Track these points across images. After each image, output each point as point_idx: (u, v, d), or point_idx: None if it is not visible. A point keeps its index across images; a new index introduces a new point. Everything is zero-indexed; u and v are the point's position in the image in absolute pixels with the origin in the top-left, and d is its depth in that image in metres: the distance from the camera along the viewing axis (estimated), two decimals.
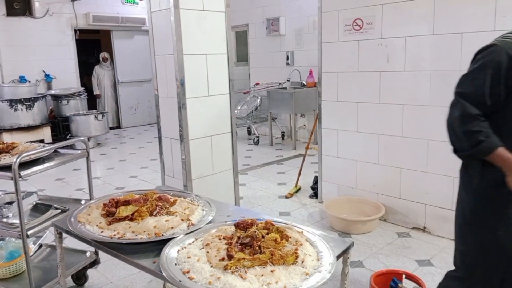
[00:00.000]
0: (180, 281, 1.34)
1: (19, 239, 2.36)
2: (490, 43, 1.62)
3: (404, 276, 2.29)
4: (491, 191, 1.64)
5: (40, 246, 2.93)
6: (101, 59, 9.67)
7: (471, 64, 1.67)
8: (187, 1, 3.03)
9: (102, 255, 2.82)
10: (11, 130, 7.15)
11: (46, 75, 8.32)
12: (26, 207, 2.59)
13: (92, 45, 11.64)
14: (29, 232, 2.28)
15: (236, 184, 3.61)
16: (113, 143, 8.15)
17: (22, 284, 2.54)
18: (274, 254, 1.42)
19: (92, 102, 9.52)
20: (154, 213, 1.83)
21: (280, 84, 7.37)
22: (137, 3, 9.57)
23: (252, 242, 1.49)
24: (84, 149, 2.64)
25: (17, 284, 2.55)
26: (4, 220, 2.45)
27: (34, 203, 2.69)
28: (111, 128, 9.00)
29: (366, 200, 3.78)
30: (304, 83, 7.04)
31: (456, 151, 1.68)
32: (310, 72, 6.90)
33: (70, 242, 3.03)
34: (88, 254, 2.82)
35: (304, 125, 7.53)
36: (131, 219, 1.78)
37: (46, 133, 7.62)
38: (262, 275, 1.34)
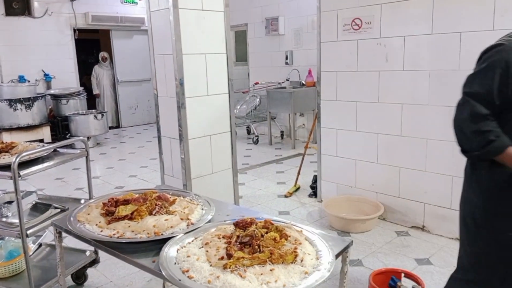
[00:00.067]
0: (180, 280, 1.35)
1: (19, 239, 2.36)
2: (497, 42, 1.60)
3: (403, 274, 2.29)
4: (501, 193, 1.61)
5: (40, 245, 2.94)
6: (100, 58, 9.67)
7: (478, 64, 1.65)
8: (186, 1, 3.03)
9: (102, 254, 2.83)
10: (10, 129, 7.15)
11: (46, 75, 8.32)
12: (26, 207, 2.59)
13: (92, 45, 11.63)
14: (28, 232, 2.28)
15: (235, 183, 3.61)
16: (113, 143, 8.15)
17: (21, 284, 2.54)
18: (273, 253, 1.42)
19: (92, 101, 9.53)
20: (154, 212, 1.83)
21: (279, 83, 7.37)
22: (136, 3, 9.57)
23: (251, 241, 1.50)
24: (84, 148, 2.64)
25: (16, 283, 2.55)
26: (4, 219, 2.45)
27: (34, 202, 2.69)
28: (110, 128, 9.00)
29: (365, 199, 3.78)
30: (303, 82, 7.04)
31: (464, 151, 1.64)
32: (309, 72, 6.91)
33: (69, 241, 3.03)
34: (87, 253, 2.82)
35: (303, 125, 7.53)
36: (131, 219, 1.78)
37: (45, 132, 7.62)
38: (261, 274, 1.35)
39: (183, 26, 3.03)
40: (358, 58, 3.71)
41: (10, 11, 7.76)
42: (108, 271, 2.98)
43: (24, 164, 2.29)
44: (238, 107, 7.57)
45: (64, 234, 1.90)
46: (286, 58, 7.48)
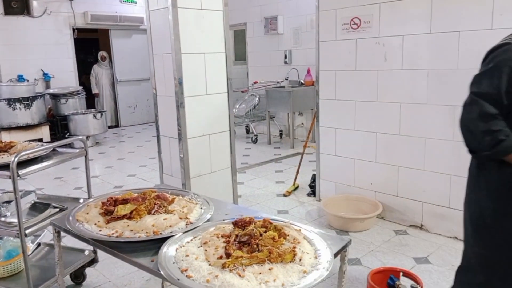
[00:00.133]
0: (178, 279, 1.35)
1: (17, 238, 2.36)
2: (503, 42, 1.59)
3: (401, 273, 2.29)
4: (511, 193, 1.59)
5: (39, 245, 2.93)
6: (99, 58, 9.67)
7: (484, 64, 1.63)
8: (185, 0, 3.03)
9: (101, 253, 2.83)
10: (9, 129, 7.14)
11: (45, 74, 8.31)
12: (24, 206, 2.59)
13: (91, 44, 11.62)
14: (27, 231, 2.28)
15: (234, 183, 3.61)
16: (112, 142, 8.15)
17: (20, 283, 2.54)
18: (272, 252, 1.43)
19: (91, 101, 9.52)
20: (153, 212, 1.83)
21: (278, 82, 7.38)
22: (135, 2, 9.57)
23: (250, 240, 1.50)
24: (83, 148, 2.64)
25: (15, 283, 2.55)
26: (2, 219, 2.45)
27: (33, 202, 2.69)
28: (109, 127, 9.00)
29: (363, 198, 3.79)
30: (302, 81, 7.05)
31: (472, 151, 1.62)
32: (308, 71, 6.91)
33: (68, 241, 3.03)
34: (86, 252, 2.83)
35: (302, 124, 7.54)
36: (129, 218, 1.78)
37: (44, 132, 7.61)
38: (260, 273, 1.35)
39: (182, 25, 3.03)
40: (357, 57, 3.71)
41: (9, 11, 7.75)
42: (106, 270, 2.98)
43: (23, 164, 2.28)
44: (237, 106, 7.57)
45: (63, 234, 1.91)
46: (285, 57, 7.48)
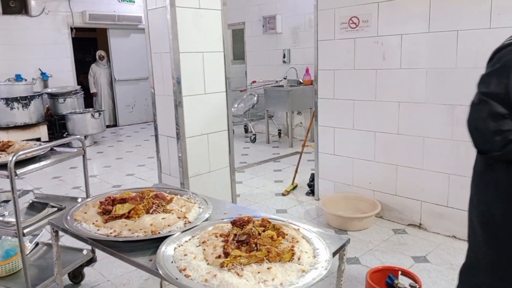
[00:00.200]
0: (177, 278, 1.34)
1: (15, 238, 2.35)
2: (509, 41, 1.58)
3: (400, 272, 2.29)
4: None
5: (37, 244, 2.93)
6: (97, 57, 9.65)
7: (490, 64, 1.60)
8: None
9: (99, 253, 2.82)
10: (7, 128, 7.12)
11: (43, 74, 8.29)
12: (22, 206, 2.58)
13: (89, 44, 11.60)
14: (25, 231, 2.28)
15: (233, 182, 3.61)
16: (110, 141, 8.14)
17: (18, 283, 2.53)
18: (270, 251, 1.42)
19: (89, 100, 9.50)
20: (151, 211, 1.83)
21: (276, 82, 7.37)
22: (134, 1, 9.55)
23: (248, 240, 1.50)
24: (81, 147, 2.64)
25: (13, 282, 2.54)
26: (0, 218, 2.44)
27: (30, 201, 2.68)
28: (108, 126, 8.99)
29: (362, 197, 3.79)
30: (301, 81, 7.05)
31: (481, 152, 1.59)
32: (307, 70, 6.91)
33: (66, 240, 3.03)
34: (84, 252, 2.82)
35: (301, 123, 7.54)
36: (128, 217, 1.78)
37: (42, 131, 7.60)
38: (259, 272, 1.35)
39: (180, 24, 3.02)
40: (356, 57, 3.71)
41: (7, 10, 7.73)
42: (105, 270, 2.97)
43: (20, 163, 2.28)
44: (236, 106, 7.56)
45: (61, 233, 1.90)
46: (284, 56, 7.48)
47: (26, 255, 2.44)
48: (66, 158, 2.61)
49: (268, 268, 1.36)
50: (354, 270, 2.86)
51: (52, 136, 7.72)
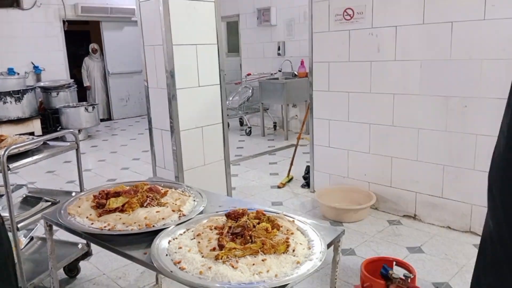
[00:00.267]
0: (171, 271, 1.34)
1: (9, 232, 2.34)
2: None
3: (394, 263, 2.31)
4: None
5: (31, 238, 2.91)
6: (90, 50, 9.57)
7: None
8: None
9: (95, 247, 2.81)
10: (0, 123, 7.06)
11: (35, 67, 8.21)
12: (16, 200, 2.57)
13: (82, 37, 11.48)
14: (19, 225, 2.26)
15: (228, 175, 3.61)
16: (104, 135, 8.10)
17: None
18: (265, 243, 1.42)
19: (82, 94, 9.42)
20: (145, 204, 1.82)
21: (271, 74, 7.35)
22: None
23: (243, 232, 1.50)
24: (74, 141, 2.62)
25: None
26: None
27: (24, 195, 2.66)
28: (102, 120, 8.94)
29: (357, 189, 3.80)
30: (296, 73, 7.03)
31: None
32: (302, 62, 6.89)
33: (62, 234, 3.02)
34: (80, 246, 2.81)
35: (296, 116, 7.53)
36: (122, 211, 1.77)
37: (36, 125, 7.55)
38: (253, 264, 1.35)
39: (173, 16, 3.00)
40: (350, 49, 3.69)
41: None
42: (100, 263, 2.97)
43: (13, 157, 2.26)
44: (231, 99, 7.54)
45: (56, 227, 1.89)
46: (278, 49, 7.45)
47: (21, 249, 2.43)
48: (59, 152, 2.59)
49: (262, 260, 1.36)
50: (349, 261, 2.87)
51: (46, 130, 7.67)
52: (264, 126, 7.33)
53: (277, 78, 7.13)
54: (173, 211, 1.78)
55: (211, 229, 1.59)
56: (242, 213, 1.64)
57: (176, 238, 1.57)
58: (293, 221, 1.65)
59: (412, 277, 2.15)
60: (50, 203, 2.54)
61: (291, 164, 4.65)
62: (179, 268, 1.36)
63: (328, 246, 1.53)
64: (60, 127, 7.44)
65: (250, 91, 7.50)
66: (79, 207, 1.86)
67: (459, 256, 2.86)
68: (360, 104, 3.71)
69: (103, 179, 5.10)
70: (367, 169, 3.77)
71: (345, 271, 2.74)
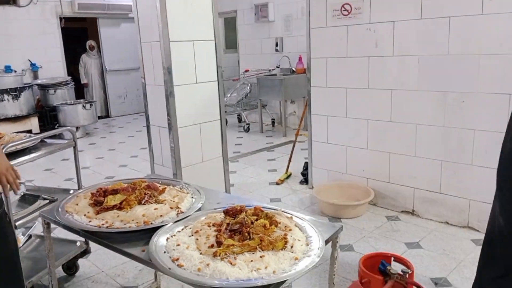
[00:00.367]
0: (170, 268, 1.34)
1: None
2: None
3: (392, 258, 2.31)
4: None
5: (30, 237, 2.91)
6: (87, 47, 9.52)
7: None
8: None
9: (93, 244, 2.80)
10: None
11: (32, 65, 8.17)
12: (14, 198, 2.56)
13: (79, 34, 11.43)
14: (17, 223, 2.26)
15: (226, 172, 3.61)
16: (102, 133, 8.08)
17: None
18: (263, 240, 1.42)
19: (80, 91, 9.39)
20: (143, 202, 1.82)
21: (269, 70, 7.33)
22: None
23: (241, 229, 1.50)
24: (71, 138, 2.61)
25: None
26: None
27: (22, 193, 2.66)
28: (99, 117, 8.92)
29: (355, 185, 3.80)
30: (294, 69, 7.01)
31: None
32: (300, 58, 6.87)
33: (60, 232, 3.02)
34: (78, 244, 2.81)
35: (294, 112, 7.52)
36: (120, 208, 1.77)
37: (33, 123, 7.52)
38: (252, 260, 1.35)
39: (170, 12, 2.98)
40: (348, 44, 3.69)
41: None
42: (99, 261, 2.97)
43: (10, 155, 2.25)
44: (229, 95, 7.53)
45: (54, 225, 1.89)
46: (276, 45, 7.43)
47: (19, 247, 2.42)
48: (57, 150, 2.58)
49: (261, 257, 1.36)
50: (347, 257, 2.88)
51: (44, 128, 7.65)
52: (262, 122, 7.32)
53: (275, 75, 7.11)
54: (171, 208, 1.78)
55: (209, 226, 1.59)
56: (240, 210, 1.64)
57: (174, 235, 1.56)
58: (291, 217, 1.65)
59: (410, 272, 2.15)
60: (48, 201, 2.53)
61: (289, 160, 4.65)
62: (177, 265, 1.36)
63: (326, 242, 1.53)
64: (57, 124, 7.42)
65: (248, 87, 7.49)
66: (77, 204, 1.86)
67: (457, 252, 2.87)
68: (358, 100, 3.71)
69: (101, 176, 5.09)
70: (365, 165, 3.77)
71: (344, 267, 2.75)
